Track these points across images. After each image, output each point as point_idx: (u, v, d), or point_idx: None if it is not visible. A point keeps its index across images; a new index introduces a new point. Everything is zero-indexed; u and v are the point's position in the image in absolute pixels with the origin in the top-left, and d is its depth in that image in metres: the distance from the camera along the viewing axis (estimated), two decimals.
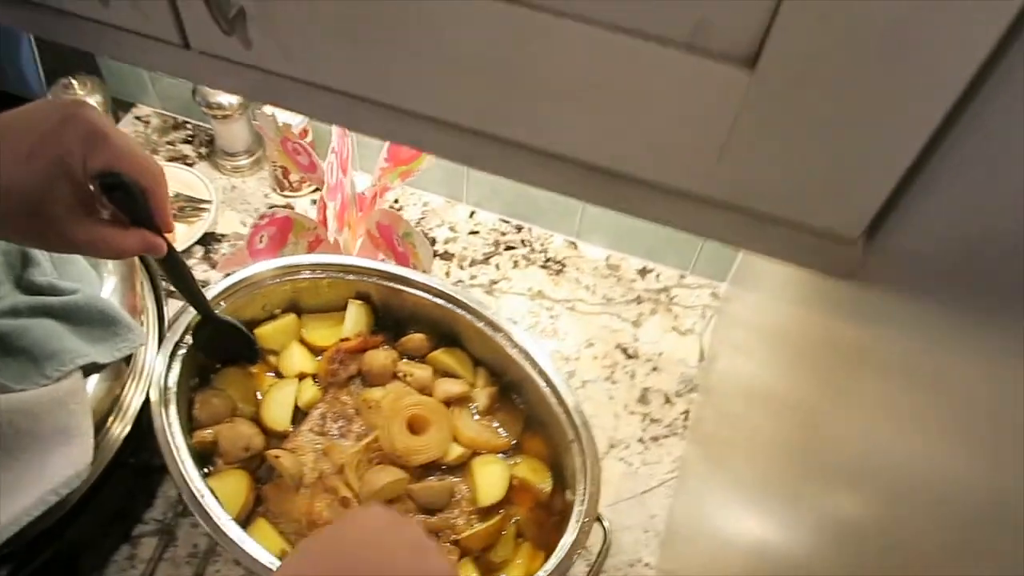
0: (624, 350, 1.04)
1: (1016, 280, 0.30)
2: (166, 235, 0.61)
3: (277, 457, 0.77)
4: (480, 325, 0.82)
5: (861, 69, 0.35)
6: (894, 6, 0.32)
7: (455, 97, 0.44)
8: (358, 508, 0.60)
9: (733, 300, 1.08)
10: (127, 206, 0.56)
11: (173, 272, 0.69)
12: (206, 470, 0.77)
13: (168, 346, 0.77)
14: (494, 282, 1.08)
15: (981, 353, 0.33)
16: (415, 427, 0.79)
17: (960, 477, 0.33)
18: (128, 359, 0.76)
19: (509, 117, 0.45)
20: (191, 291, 0.72)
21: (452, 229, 1.13)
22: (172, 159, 1.17)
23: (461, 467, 0.81)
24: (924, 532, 0.37)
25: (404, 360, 0.86)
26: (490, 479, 0.80)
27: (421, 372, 0.85)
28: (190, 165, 1.15)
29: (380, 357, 0.84)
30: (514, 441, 0.83)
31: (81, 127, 0.52)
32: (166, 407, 0.74)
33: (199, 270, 1.06)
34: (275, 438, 0.81)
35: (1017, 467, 0.27)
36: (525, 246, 1.12)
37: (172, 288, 0.73)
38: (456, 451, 0.80)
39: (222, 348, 0.81)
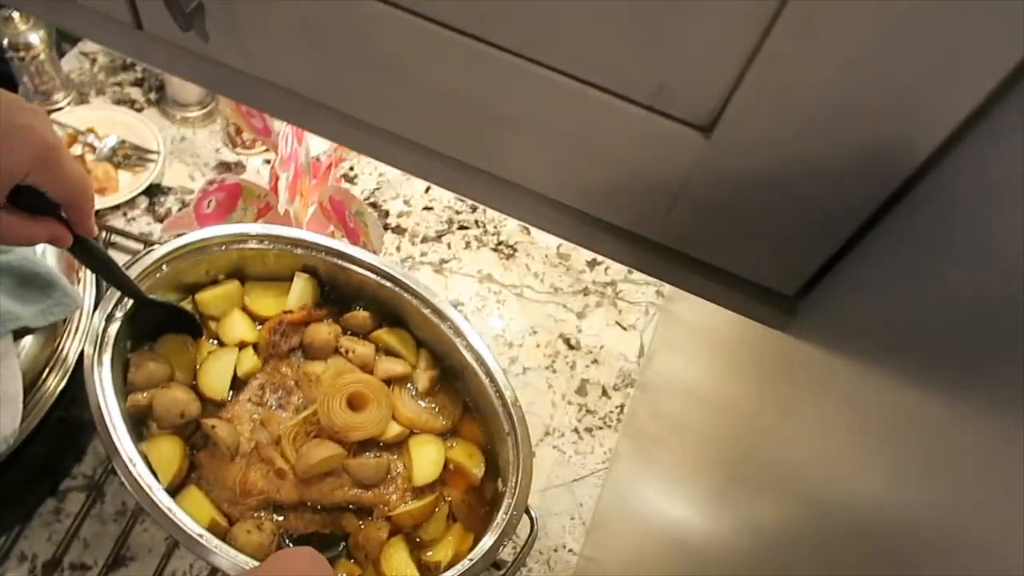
0: (567, 340, 1.06)
1: (937, 348, 0.32)
2: (92, 236, 0.61)
3: (213, 427, 0.76)
4: (426, 311, 0.83)
5: (810, 148, 0.36)
6: (844, 98, 0.33)
7: (414, 117, 0.44)
8: (285, 550, 0.61)
9: (678, 300, 1.10)
10: (31, 207, 0.55)
11: (94, 262, 0.68)
12: (143, 430, 0.77)
13: (105, 306, 0.75)
14: (444, 261, 1.08)
15: (905, 399, 0.35)
16: (354, 404, 0.80)
17: (880, 501, 0.36)
18: (57, 326, 0.74)
19: (465, 142, 0.45)
20: (116, 278, 0.71)
21: (406, 203, 1.12)
22: (119, 102, 1.12)
23: (398, 445, 0.82)
24: (840, 547, 0.40)
25: (347, 336, 0.86)
26: (426, 459, 0.81)
27: (363, 349, 0.85)
28: (138, 111, 1.11)
29: (323, 331, 0.84)
30: (451, 425, 0.85)
31: (34, 143, 0.51)
32: (99, 369, 0.72)
33: (143, 222, 1.03)
34: (212, 406, 0.81)
35: (936, 503, 0.30)
36: (478, 227, 1.12)
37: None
38: (394, 429, 0.81)
39: (162, 328, 0.80)
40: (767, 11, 0.31)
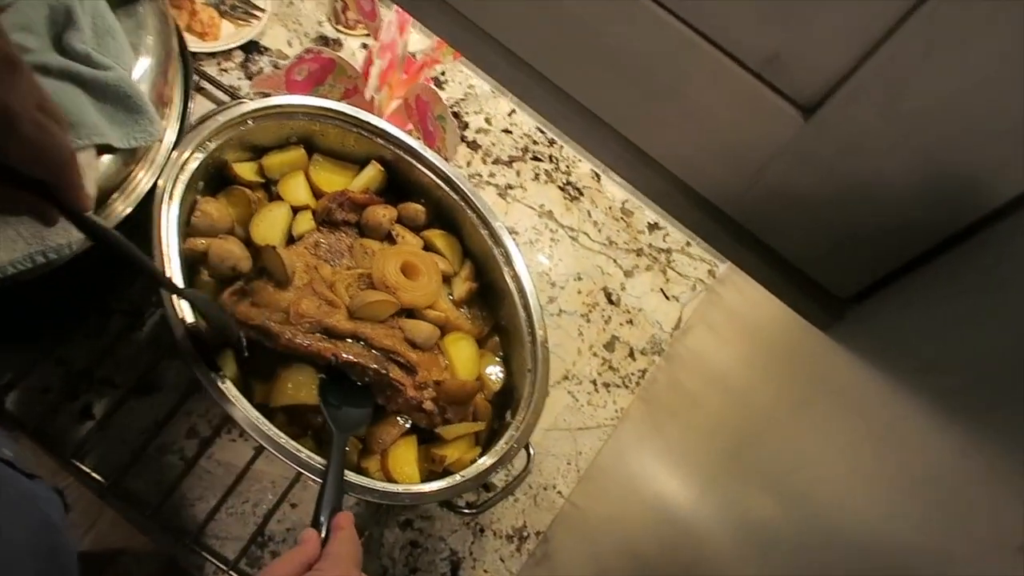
0: (608, 295, 1.06)
1: (977, 380, 0.32)
2: (84, 212, 0.54)
3: (273, 247, 0.76)
4: (482, 231, 0.84)
5: (905, 158, 0.35)
6: (954, 117, 0.32)
7: (523, 30, 0.44)
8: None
9: (727, 284, 1.09)
10: (11, 176, 0.50)
11: (101, 244, 0.58)
12: (194, 275, 0.79)
13: (186, 146, 0.78)
14: (510, 187, 1.08)
15: (927, 426, 0.36)
16: (407, 272, 0.82)
17: (876, 525, 0.36)
18: (137, 150, 0.76)
19: (567, 68, 0.44)
20: (137, 261, 0.61)
21: (488, 121, 1.12)
22: None
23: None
24: (827, 556, 0.40)
25: (400, 224, 0.88)
26: (464, 354, 0.83)
27: (413, 239, 0.86)
28: None
29: (379, 212, 0.85)
30: (479, 336, 0.86)
31: None
32: (168, 204, 0.75)
33: (234, 76, 1.05)
34: None
35: (941, 531, 0.30)
36: (551, 162, 1.12)
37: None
38: (433, 315, 0.82)
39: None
40: (900, 8, 0.30)
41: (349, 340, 0.75)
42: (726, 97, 0.39)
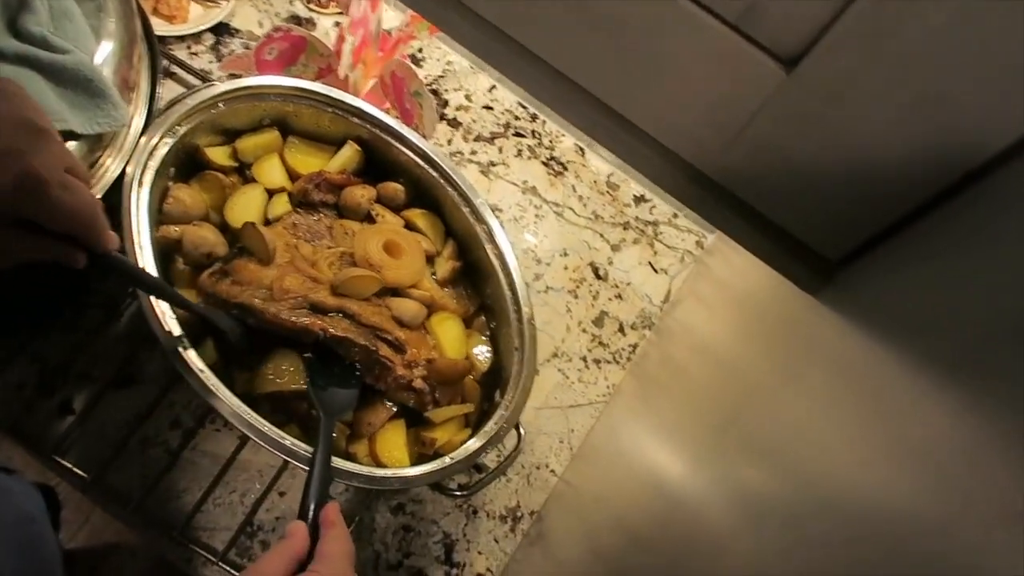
0: (596, 270, 1.04)
1: (966, 339, 0.30)
2: (110, 253, 0.57)
3: (253, 225, 0.75)
4: (464, 209, 0.82)
5: (890, 112, 0.33)
6: (938, 72, 0.30)
7: (513, 10, 0.42)
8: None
9: (716, 255, 1.08)
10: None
11: (124, 276, 0.65)
12: (168, 263, 0.77)
13: (155, 131, 0.75)
14: (492, 164, 1.06)
15: (923, 396, 0.34)
16: (389, 251, 0.80)
17: (871, 493, 0.35)
18: (103, 137, 0.74)
19: (535, 26, 0.42)
20: (156, 288, 0.67)
21: (468, 98, 1.10)
22: None
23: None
24: (822, 525, 0.39)
25: (379, 204, 0.86)
26: (451, 335, 0.82)
27: (393, 219, 0.84)
28: None
29: (357, 193, 0.83)
30: (464, 315, 0.85)
31: (14, 173, 0.47)
32: (138, 191, 0.73)
33: (204, 59, 1.02)
34: None
35: (938, 499, 0.29)
36: (534, 137, 1.10)
37: None
38: (417, 293, 0.80)
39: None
40: None
41: (336, 315, 0.73)
42: (704, 54, 0.37)
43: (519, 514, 0.90)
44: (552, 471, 0.94)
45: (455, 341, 0.82)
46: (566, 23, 0.42)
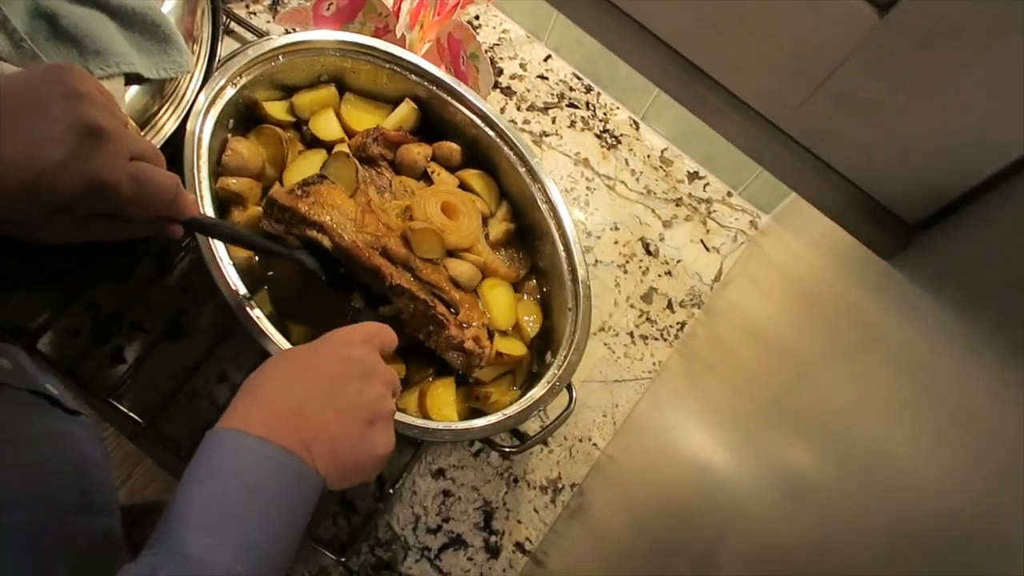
0: (646, 245, 1.03)
1: None
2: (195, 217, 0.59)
3: (347, 153, 0.75)
4: (520, 169, 0.81)
5: (999, 49, 0.31)
6: None
7: None
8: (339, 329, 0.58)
9: (770, 235, 1.05)
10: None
11: (214, 234, 0.66)
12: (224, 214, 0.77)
13: (214, 83, 0.75)
14: (545, 134, 1.05)
15: (990, 374, 0.33)
16: (447, 213, 0.79)
17: (924, 479, 0.34)
18: (164, 87, 0.74)
19: None
20: (246, 240, 0.69)
21: (522, 67, 1.08)
22: None
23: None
24: (871, 512, 0.38)
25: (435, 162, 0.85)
26: (501, 301, 0.81)
27: (449, 177, 0.84)
28: None
29: (413, 150, 0.82)
30: (517, 279, 0.84)
31: (80, 181, 0.47)
32: (199, 144, 0.73)
33: (262, 19, 1.02)
34: None
35: (992, 488, 0.27)
36: (588, 109, 1.08)
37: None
38: (471, 258, 0.80)
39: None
40: None
41: (400, 267, 0.72)
42: None
43: (560, 485, 0.89)
44: (595, 444, 0.92)
45: (505, 308, 0.81)
46: None
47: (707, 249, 1.04)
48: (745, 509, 0.59)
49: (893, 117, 0.42)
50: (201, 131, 0.73)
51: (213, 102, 0.75)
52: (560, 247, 0.78)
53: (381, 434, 0.50)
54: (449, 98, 0.82)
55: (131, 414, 0.78)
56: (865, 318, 0.60)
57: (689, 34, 0.45)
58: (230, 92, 0.76)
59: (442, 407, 0.73)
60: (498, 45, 1.09)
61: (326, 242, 0.69)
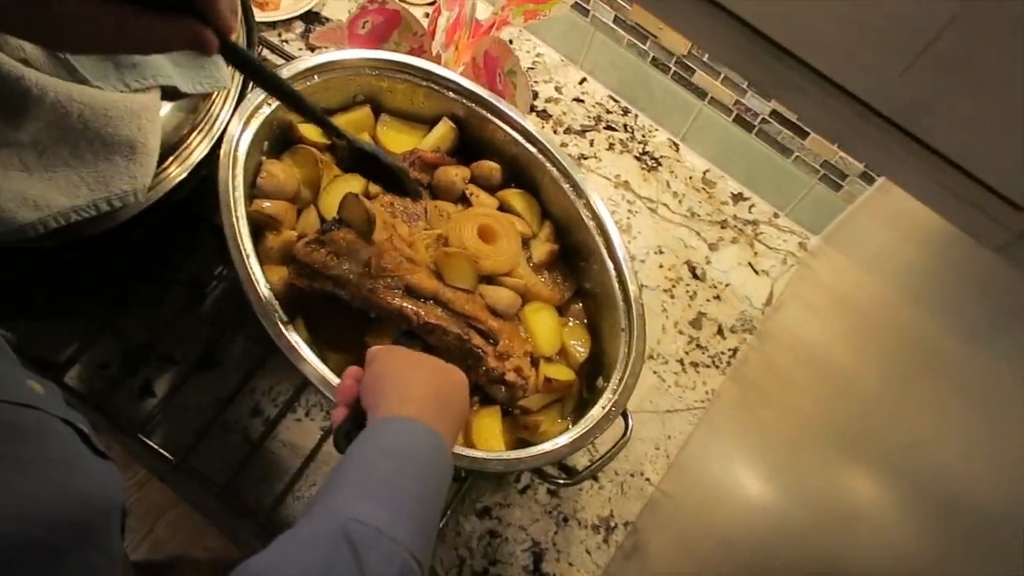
0: (692, 269, 0.98)
1: None
2: (230, 34, 0.48)
3: (356, 195, 0.71)
4: (564, 185, 0.77)
5: None
6: None
7: None
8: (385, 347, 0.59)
9: (820, 257, 1.01)
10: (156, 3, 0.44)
11: (251, 71, 0.57)
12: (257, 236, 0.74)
13: (249, 104, 0.73)
14: (583, 157, 1.02)
15: None
16: (484, 236, 0.76)
17: (1001, 515, 0.29)
18: (197, 108, 0.72)
19: None
20: (300, 106, 0.61)
21: (558, 90, 1.06)
22: None
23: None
24: (950, 552, 0.34)
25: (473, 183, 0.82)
26: (546, 326, 0.77)
27: (488, 199, 0.80)
28: None
29: (451, 172, 0.80)
30: (561, 302, 0.80)
31: None
32: (234, 165, 0.70)
33: (294, 47, 1.01)
34: None
35: None
36: (626, 131, 1.05)
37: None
38: (512, 281, 0.76)
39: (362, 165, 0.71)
40: None
41: (429, 302, 0.69)
42: None
43: (612, 524, 0.83)
44: (647, 479, 0.87)
45: (549, 332, 0.77)
46: None
47: (756, 272, 1.00)
48: (811, 549, 0.55)
49: (1007, 85, 0.37)
50: (236, 152, 0.71)
51: (248, 123, 0.73)
52: (609, 265, 0.74)
53: (460, 376, 0.59)
54: (489, 115, 0.79)
55: (162, 450, 0.74)
56: (927, 342, 0.56)
57: (770, 7, 0.42)
58: (265, 113, 0.74)
59: (488, 438, 0.68)
60: (532, 69, 1.06)
61: (345, 295, 0.68)
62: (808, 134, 0.90)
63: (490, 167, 0.81)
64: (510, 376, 0.69)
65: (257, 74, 0.57)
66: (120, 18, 0.42)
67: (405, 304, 0.68)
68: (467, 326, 0.70)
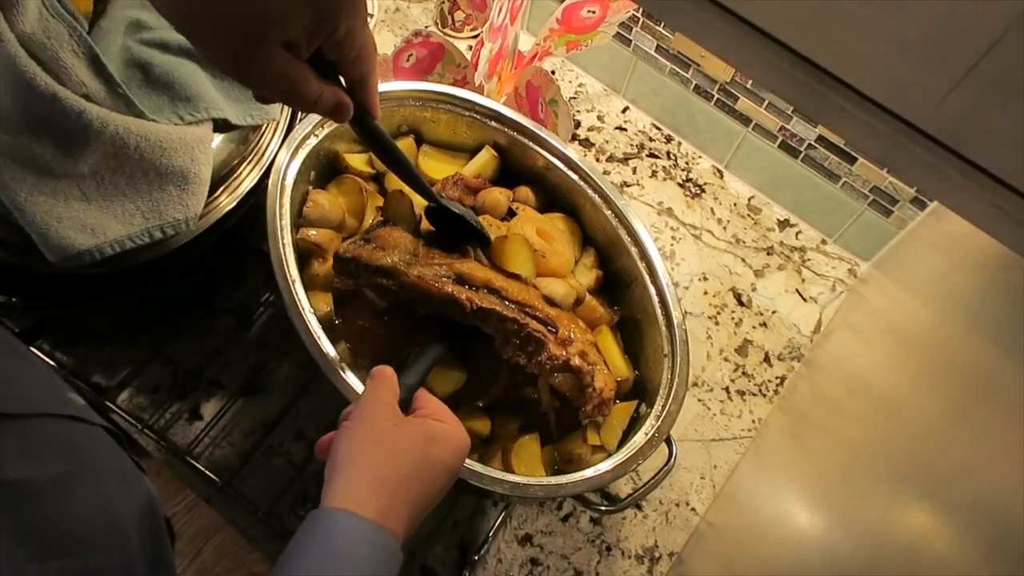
0: (738, 296, 0.97)
1: None
2: (375, 118, 0.55)
3: (401, 191, 0.71)
4: (606, 212, 0.77)
5: None
6: None
7: None
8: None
9: (871, 284, 0.99)
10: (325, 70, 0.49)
11: (378, 146, 0.60)
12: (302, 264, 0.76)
13: (295, 137, 0.75)
14: (626, 184, 1.02)
15: None
16: (542, 238, 0.76)
17: None
18: (247, 139, 0.74)
19: None
20: (405, 170, 0.63)
21: (600, 119, 1.06)
22: None
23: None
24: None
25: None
26: (615, 348, 0.77)
27: (534, 213, 0.79)
28: None
29: (495, 193, 0.79)
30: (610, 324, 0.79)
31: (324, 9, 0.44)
32: (281, 195, 0.72)
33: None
34: None
35: None
36: (669, 158, 1.05)
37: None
38: (562, 289, 0.73)
39: (447, 228, 0.72)
40: None
41: (482, 290, 0.67)
42: None
43: (657, 555, 0.82)
44: (693, 509, 0.85)
45: (617, 354, 0.76)
46: None
47: (804, 299, 0.98)
48: None
49: None
50: (283, 182, 0.73)
51: (295, 154, 0.75)
52: (652, 290, 0.74)
53: (440, 453, 0.52)
54: (531, 143, 0.80)
55: (208, 472, 0.75)
56: (986, 369, 0.54)
57: (810, 29, 0.41)
58: (311, 144, 0.76)
59: (528, 463, 0.68)
60: (575, 98, 1.07)
61: (393, 285, 0.66)
62: (856, 159, 0.88)
63: (526, 192, 0.82)
64: (576, 361, 0.66)
65: (379, 144, 0.59)
66: (305, 74, 0.46)
67: (457, 288, 0.66)
68: (523, 313, 0.67)
